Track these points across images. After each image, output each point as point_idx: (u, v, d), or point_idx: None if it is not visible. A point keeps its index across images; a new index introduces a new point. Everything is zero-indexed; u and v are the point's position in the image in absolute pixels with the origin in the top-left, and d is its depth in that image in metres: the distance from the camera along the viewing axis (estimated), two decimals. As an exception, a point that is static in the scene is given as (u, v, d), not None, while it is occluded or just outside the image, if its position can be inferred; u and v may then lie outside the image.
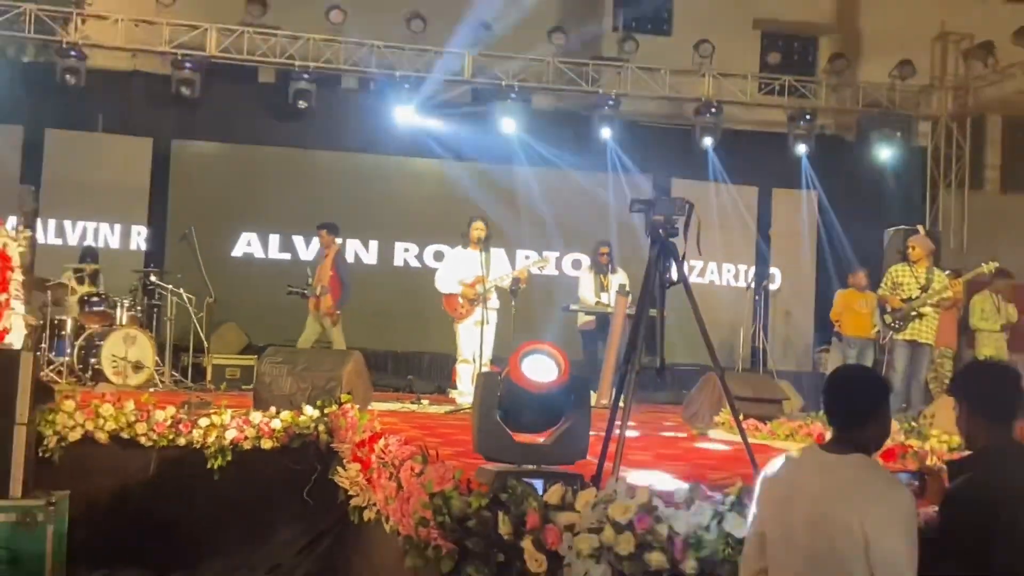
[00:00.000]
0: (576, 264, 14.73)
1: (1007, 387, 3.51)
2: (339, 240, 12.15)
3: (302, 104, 14.73)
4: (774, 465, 3.36)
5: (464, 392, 9.47)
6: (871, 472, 3.11)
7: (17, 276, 8.28)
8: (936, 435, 6.74)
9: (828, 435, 3.38)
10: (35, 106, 14.40)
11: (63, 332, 10.90)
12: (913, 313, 9.49)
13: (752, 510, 3.42)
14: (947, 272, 10.33)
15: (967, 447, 3.57)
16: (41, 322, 10.44)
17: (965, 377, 3.70)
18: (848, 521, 2.96)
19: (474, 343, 9.37)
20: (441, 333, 10.25)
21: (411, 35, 14.95)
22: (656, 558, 3.83)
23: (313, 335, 11.48)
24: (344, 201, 14.94)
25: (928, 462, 5.62)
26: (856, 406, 3.20)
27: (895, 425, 6.72)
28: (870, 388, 3.26)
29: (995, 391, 3.48)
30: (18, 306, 8.27)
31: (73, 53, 14.13)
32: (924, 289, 9.53)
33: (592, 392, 9.91)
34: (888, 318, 9.64)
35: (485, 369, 8.56)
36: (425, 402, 9.99)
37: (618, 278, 11.02)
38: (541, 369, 4.33)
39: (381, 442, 5.56)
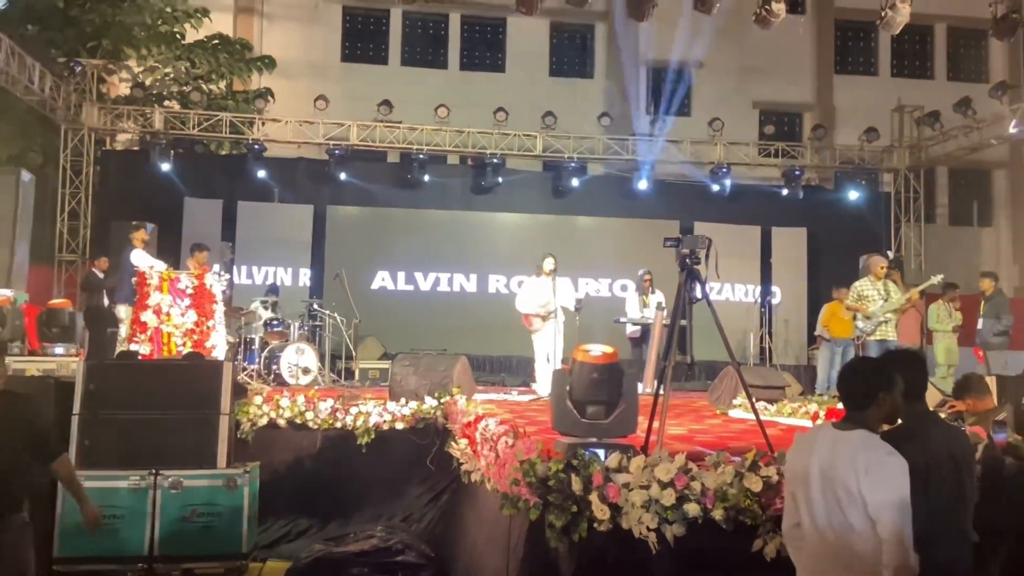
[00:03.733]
0: (624, 287, 14.58)
1: (920, 371, 3.39)
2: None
3: (419, 177, 14.93)
4: (799, 439, 3.23)
5: (541, 385, 9.38)
6: (869, 445, 2.96)
7: (220, 307, 8.54)
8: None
9: (822, 413, 3.25)
10: (230, 185, 14.82)
11: (253, 347, 11.06)
12: (880, 319, 9.18)
13: (787, 474, 3.29)
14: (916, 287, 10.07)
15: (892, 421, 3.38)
16: (237, 340, 10.64)
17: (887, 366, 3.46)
18: (849, 483, 2.88)
19: (547, 348, 9.27)
20: (524, 341, 10.18)
21: (496, 123, 15.11)
22: (692, 508, 3.78)
23: None
24: (451, 246, 15.09)
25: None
26: (860, 393, 3.07)
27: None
28: (871, 379, 3.10)
29: (910, 375, 3.30)
30: (221, 329, 8.52)
31: (256, 146, 14.58)
32: (885, 299, 9.21)
33: (639, 384, 9.84)
34: (861, 323, 9.32)
35: (558, 367, 8.47)
36: (514, 393, 9.97)
37: (656, 297, 10.84)
38: (597, 353, 4.42)
39: (483, 423, 5.58)
